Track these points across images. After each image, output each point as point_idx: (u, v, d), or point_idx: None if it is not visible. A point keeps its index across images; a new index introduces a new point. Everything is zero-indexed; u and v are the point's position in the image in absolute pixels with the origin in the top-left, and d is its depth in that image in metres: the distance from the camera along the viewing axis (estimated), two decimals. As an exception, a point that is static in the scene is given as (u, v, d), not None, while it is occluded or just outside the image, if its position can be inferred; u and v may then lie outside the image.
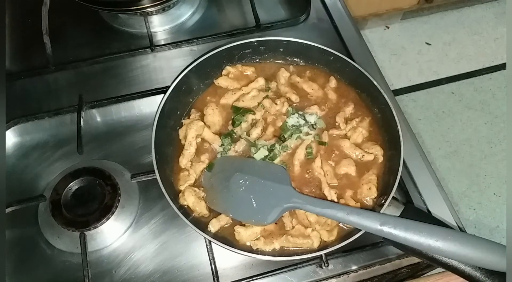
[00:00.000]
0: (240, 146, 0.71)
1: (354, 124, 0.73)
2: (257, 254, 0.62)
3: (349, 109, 0.75)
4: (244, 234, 0.63)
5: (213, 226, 0.64)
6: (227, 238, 0.64)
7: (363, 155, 0.70)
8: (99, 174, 0.71)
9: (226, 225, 0.65)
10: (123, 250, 0.68)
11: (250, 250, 0.62)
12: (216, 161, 0.70)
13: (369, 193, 0.67)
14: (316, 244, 0.63)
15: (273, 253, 0.63)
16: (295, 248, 0.63)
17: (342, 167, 0.69)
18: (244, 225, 0.64)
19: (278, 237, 0.63)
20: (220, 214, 0.65)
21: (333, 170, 0.70)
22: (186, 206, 0.66)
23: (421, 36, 2.17)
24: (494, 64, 2.08)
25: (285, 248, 0.63)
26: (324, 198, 0.66)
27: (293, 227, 0.65)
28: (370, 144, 0.71)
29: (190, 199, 0.65)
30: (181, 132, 0.72)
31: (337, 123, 0.73)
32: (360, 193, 0.67)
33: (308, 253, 0.61)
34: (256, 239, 0.63)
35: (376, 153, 0.70)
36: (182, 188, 0.67)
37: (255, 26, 0.89)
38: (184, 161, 0.69)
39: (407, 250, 0.61)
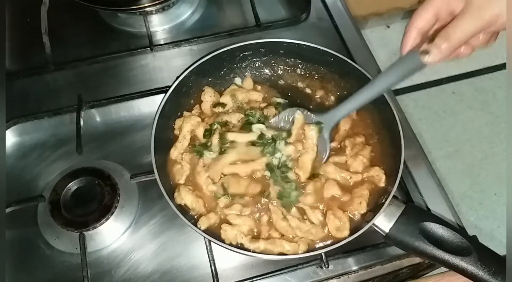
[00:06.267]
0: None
1: (355, 152, 0.70)
2: (248, 250, 0.61)
3: (359, 140, 0.72)
4: (230, 233, 0.62)
5: (203, 223, 0.63)
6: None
7: (350, 177, 0.68)
8: (99, 174, 0.70)
9: (215, 224, 0.64)
10: (123, 251, 0.68)
11: (246, 248, 0.62)
12: None
13: (358, 207, 0.65)
14: (302, 249, 0.62)
15: (271, 253, 0.62)
16: (279, 252, 0.62)
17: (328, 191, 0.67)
18: (230, 224, 0.63)
19: (265, 239, 0.63)
20: (210, 212, 0.64)
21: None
22: (183, 205, 0.65)
23: (421, 36, 2.16)
24: (495, 64, 2.08)
25: (269, 250, 0.62)
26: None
27: (269, 236, 0.64)
28: (369, 168, 0.69)
29: (187, 198, 0.64)
30: (178, 122, 0.72)
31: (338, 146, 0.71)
32: (350, 204, 0.66)
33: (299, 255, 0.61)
34: (244, 234, 0.63)
35: (377, 174, 0.67)
36: (181, 181, 0.67)
37: (255, 25, 0.88)
38: (175, 153, 0.69)
39: (409, 249, 0.61)
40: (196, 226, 0.62)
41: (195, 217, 0.65)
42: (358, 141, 0.72)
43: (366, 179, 0.68)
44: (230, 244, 0.62)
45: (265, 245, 0.62)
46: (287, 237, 0.64)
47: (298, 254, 0.61)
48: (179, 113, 0.74)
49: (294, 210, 0.65)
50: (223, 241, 0.62)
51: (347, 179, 0.68)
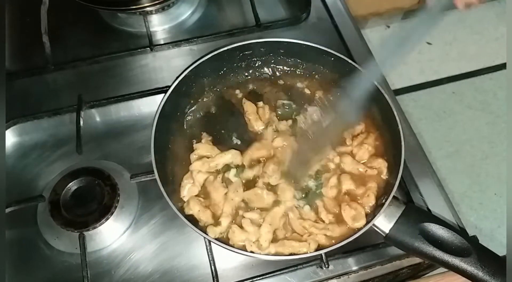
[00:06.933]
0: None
1: (360, 141, 0.71)
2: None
3: (359, 128, 0.73)
4: (238, 236, 0.62)
5: (212, 232, 0.63)
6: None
7: (366, 170, 0.69)
8: (98, 174, 0.70)
9: (222, 235, 0.64)
10: (123, 251, 0.68)
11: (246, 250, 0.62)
12: None
13: (367, 200, 0.66)
14: (313, 247, 0.62)
15: (282, 254, 0.62)
16: (290, 252, 0.62)
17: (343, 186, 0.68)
18: (241, 227, 0.63)
19: (273, 242, 0.63)
20: (219, 222, 0.63)
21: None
22: (191, 215, 0.65)
23: (421, 36, 2.16)
24: (495, 64, 2.08)
25: (280, 252, 0.62)
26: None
27: (285, 238, 0.64)
28: (374, 158, 0.70)
29: (195, 208, 0.64)
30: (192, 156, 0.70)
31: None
32: (360, 199, 0.66)
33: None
34: (252, 242, 0.62)
35: (379, 166, 0.69)
36: (185, 198, 0.66)
37: (255, 25, 0.88)
38: (198, 167, 0.67)
39: (409, 250, 0.61)
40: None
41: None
42: (358, 129, 0.72)
43: (375, 170, 0.69)
44: (233, 245, 0.62)
45: (276, 248, 0.62)
46: (297, 236, 0.63)
47: (307, 253, 0.61)
48: (178, 114, 0.74)
49: (309, 210, 0.66)
50: (227, 241, 0.62)
51: (363, 172, 0.69)
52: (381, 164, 0.69)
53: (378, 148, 0.72)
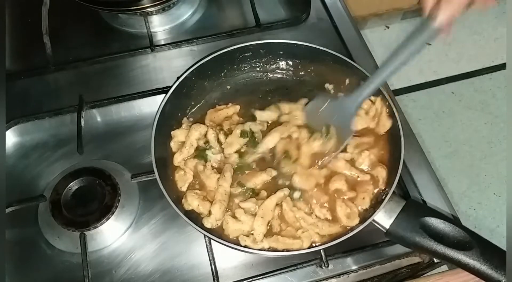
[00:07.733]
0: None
1: (362, 148, 0.70)
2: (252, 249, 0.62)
3: (366, 139, 0.71)
4: (232, 226, 0.63)
5: (206, 223, 0.63)
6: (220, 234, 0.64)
7: (358, 176, 0.68)
8: (99, 174, 0.71)
9: (217, 225, 0.64)
10: (123, 250, 0.68)
11: (251, 248, 0.62)
12: None
13: (362, 203, 0.66)
14: (306, 245, 0.62)
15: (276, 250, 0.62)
16: (284, 248, 0.62)
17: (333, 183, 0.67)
18: (234, 217, 0.64)
19: (268, 236, 0.63)
20: (210, 211, 0.64)
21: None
22: (191, 211, 0.65)
23: (421, 36, 2.17)
24: (494, 64, 2.08)
25: (274, 248, 0.62)
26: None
27: (281, 230, 0.64)
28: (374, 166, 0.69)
29: (194, 202, 0.64)
30: (177, 132, 0.71)
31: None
32: (354, 200, 0.66)
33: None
34: (246, 236, 0.63)
35: (376, 174, 0.68)
36: (183, 188, 0.67)
37: (255, 26, 0.89)
38: (179, 158, 0.69)
39: (410, 245, 0.60)
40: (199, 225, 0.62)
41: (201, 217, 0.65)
42: (366, 140, 0.71)
43: (372, 176, 0.68)
44: (231, 242, 0.62)
45: (270, 243, 0.62)
46: (292, 233, 0.64)
47: (301, 249, 0.61)
48: (179, 114, 0.74)
49: (302, 203, 0.66)
50: (223, 235, 0.63)
51: (355, 177, 0.68)
52: (379, 172, 0.68)
53: (382, 156, 0.70)
